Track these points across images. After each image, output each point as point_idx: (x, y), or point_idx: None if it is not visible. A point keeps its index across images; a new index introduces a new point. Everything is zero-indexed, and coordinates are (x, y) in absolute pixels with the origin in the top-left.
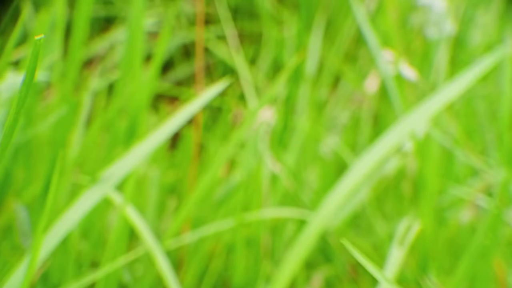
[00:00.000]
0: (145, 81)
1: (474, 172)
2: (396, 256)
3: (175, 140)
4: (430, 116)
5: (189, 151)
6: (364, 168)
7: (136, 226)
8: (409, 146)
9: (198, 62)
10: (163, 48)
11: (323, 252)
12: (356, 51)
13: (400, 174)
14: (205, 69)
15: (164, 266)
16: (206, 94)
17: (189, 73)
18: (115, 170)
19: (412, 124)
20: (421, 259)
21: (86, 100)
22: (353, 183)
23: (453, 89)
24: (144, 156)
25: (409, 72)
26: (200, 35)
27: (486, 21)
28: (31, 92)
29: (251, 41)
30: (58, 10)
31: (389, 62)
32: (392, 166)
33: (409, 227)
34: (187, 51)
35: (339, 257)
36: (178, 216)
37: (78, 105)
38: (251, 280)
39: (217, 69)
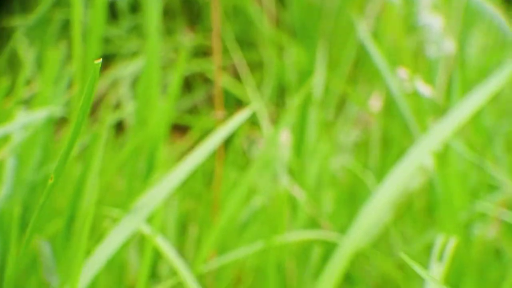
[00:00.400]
0: (163, 110)
1: (491, 187)
2: (436, 272)
3: None
4: (450, 132)
5: (203, 179)
6: (391, 188)
7: (168, 256)
8: (430, 163)
9: (217, 88)
10: (180, 76)
11: (348, 275)
12: (356, 74)
13: (419, 192)
14: (207, 100)
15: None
16: (233, 122)
17: (192, 104)
18: (144, 202)
19: (433, 142)
20: (455, 276)
21: (103, 133)
22: (381, 204)
23: (469, 105)
24: (174, 187)
25: (425, 89)
26: (217, 61)
27: (483, 39)
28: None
29: (252, 69)
30: (74, 45)
31: (403, 79)
32: (414, 185)
33: (446, 243)
34: (188, 83)
35: (365, 280)
36: (205, 242)
37: (97, 137)
38: None
39: (219, 99)
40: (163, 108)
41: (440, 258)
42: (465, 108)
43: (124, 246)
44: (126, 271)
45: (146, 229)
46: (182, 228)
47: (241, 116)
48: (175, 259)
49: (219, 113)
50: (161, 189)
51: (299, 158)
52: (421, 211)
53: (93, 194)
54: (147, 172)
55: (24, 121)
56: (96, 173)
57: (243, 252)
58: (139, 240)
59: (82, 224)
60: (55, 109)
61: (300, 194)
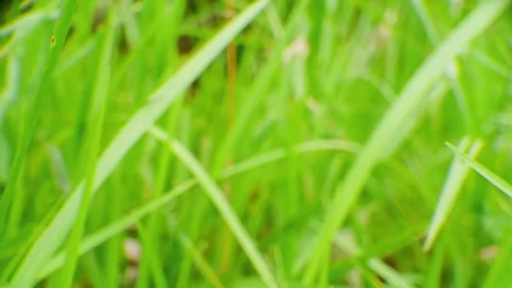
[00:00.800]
0: (169, 20)
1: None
2: (459, 172)
3: (194, 89)
4: (472, 37)
5: (212, 97)
6: (412, 96)
7: (184, 159)
8: (452, 72)
9: None
10: None
11: (365, 191)
12: None
13: (437, 111)
14: (212, 21)
15: (217, 194)
16: (243, 16)
17: (196, 24)
18: (160, 95)
19: (454, 48)
20: (478, 181)
21: (110, 34)
22: (403, 113)
23: (493, 8)
24: (188, 82)
25: None
26: None
27: None
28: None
29: None
30: None
31: None
32: (434, 96)
33: (470, 145)
34: (192, 4)
35: (386, 190)
36: (220, 151)
37: (103, 39)
38: (298, 217)
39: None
40: (169, 19)
41: (463, 161)
42: (488, 11)
43: (137, 158)
44: (141, 185)
45: (160, 133)
46: (196, 144)
47: (252, 11)
48: (192, 162)
49: (229, 13)
50: (174, 85)
51: (314, 72)
52: (437, 130)
53: (102, 99)
54: (156, 79)
55: (23, 23)
56: (104, 80)
57: (260, 160)
58: (153, 157)
59: (93, 128)
60: (51, 11)
61: (316, 108)
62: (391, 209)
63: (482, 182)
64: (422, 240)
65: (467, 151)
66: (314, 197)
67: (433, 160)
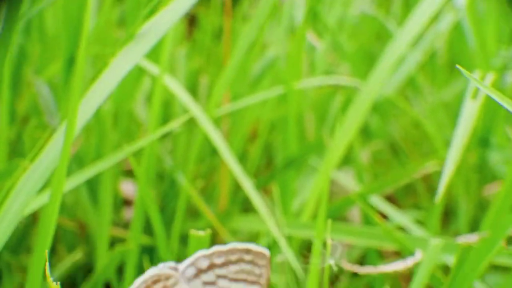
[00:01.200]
0: None
1: None
2: (471, 108)
3: (191, 27)
4: None
5: (210, 35)
6: (416, 27)
7: (179, 95)
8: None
9: None
10: None
11: (366, 129)
12: None
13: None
14: None
15: (212, 130)
16: None
17: None
18: (151, 27)
19: None
20: (487, 116)
21: None
22: (405, 44)
23: None
24: (182, 13)
25: None
26: None
27: None
28: None
29: None
30: None
31: None
32: (443, 27)
33: (482, 79)
34: None
35: (390, 129)
36: (217, 86)
37: None
38: (298, 155)
39: None
40: None
41: (474, 96)
42: None
43: (131, 96)
44: (137, 127)
45: (152, 68)
46: (193, 84)
47: None
48: (187, 98)
49: None
50: (165, 17)
51: (316, 5)
52: (443, 66)
53: (87, 27)
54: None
55: None
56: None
57: (259, 98)
58: (149, 98)
59: (80, 59)
60: None
61: (318, 43)
62: (394, 147)
63: (490, 116)
64: (425, 178)
65: (476, 92)
66: (314, 135)
67: (438, 98)
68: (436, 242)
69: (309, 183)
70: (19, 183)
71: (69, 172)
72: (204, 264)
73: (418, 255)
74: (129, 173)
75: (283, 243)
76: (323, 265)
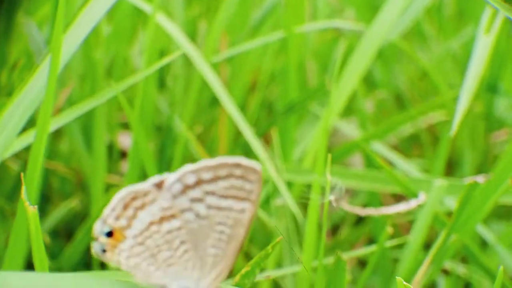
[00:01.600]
0: None
1: None
2: (485, 44)
3: None
4: None
5: None
6: None
7: (173, 34)
8: None
9: None
10: None
11: (370, 78)
12: None
13: None
14: None
15: (208, 72)
16: None
17: None
18: None
19: None
20: (495, 62)
21: None
22: None
23: None
24: None
25: None
26: None
27: None
28: None
29: None
30: None
31: None
32: None
33: (495, 15)
34: None
35: (395, 78)
36: (214, 25)
37: None
38: (298, 100)
39: None
40: None
41: (488, 31)
42: None
43: (126, 44)
44: (131, 72)
45: (145, 6)
46: (192, 33)
47: None
48: (183, 39)
49: None
50: None
51: None
52: (451, 16)
53: None
54: None
55: None
56: None
57: (259, 43)
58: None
59: None
60: None
61: None
62: (399, 97)
63: (498, 61)
64: (430, 129)
65: (489, 26)
66: (316, 82)
67: (445, 48)
68: (440, 183)
69: (311, 132)
70: (1, 120)
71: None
72: (191, 179)
73: (422, 197)
74: (126, 126)
75: (282, 187)
76: (322, 203)
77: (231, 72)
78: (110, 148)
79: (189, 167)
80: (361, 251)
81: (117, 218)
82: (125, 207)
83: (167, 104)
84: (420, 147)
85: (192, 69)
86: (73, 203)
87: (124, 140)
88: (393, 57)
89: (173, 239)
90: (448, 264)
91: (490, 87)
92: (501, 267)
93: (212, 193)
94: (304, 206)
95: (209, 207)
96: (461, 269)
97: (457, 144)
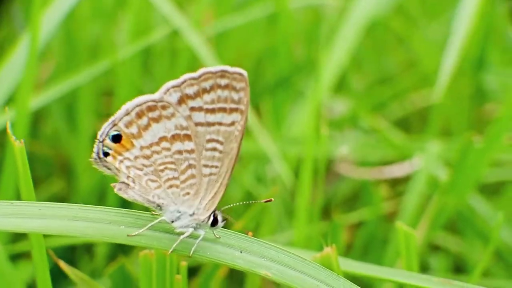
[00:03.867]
0: None
1: None
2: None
3: None
4: None
5: None
6: None
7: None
8: None
9: None
10: None
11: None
12: None
13: None
14: None
15: (196, 39)
16: None
17: None
18: None
19: None
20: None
21: None
22: None
23: None
24: None
25: None
26: None
27: None
28: None
29: None
30: None
31: None
32: None
33: None
34: None
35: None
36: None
37: None
38: (287, 74)
39: None
40: None
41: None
42: None
43: (110, 25)
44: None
45: None
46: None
47: None
48: (168, 7)
49: None
50: None
51: None
52: None
53: None
54: None
55: None
56: None
57: (246, 17)
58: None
59: None
60: None
61: None
62: (388, 78)
63: (485, 35)
64: (421, 112)
65: None
66: (305, 58)
67: (431, 29)
68: (434, 145)
69: (301, 110)
70: None
71: None
72: (175, 97)
73: (416, 161)
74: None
75: (275, 156)
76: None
77: (216, 51)
78: (95, 135)
79: (171, 82)
80: (356, 215)
81: (128, 124)
82: (140, 115)
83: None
84: (410, 130)
85: (177, 48)
86: (56, 186)
87: None
88: (380, 35)
89: (182, 161)
90: (441, 239)
91: (477, 61)
92: (500, 215)
93: (199, 109)
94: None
95: (197, 124)
96: (453, 244)
97: (449, 119)
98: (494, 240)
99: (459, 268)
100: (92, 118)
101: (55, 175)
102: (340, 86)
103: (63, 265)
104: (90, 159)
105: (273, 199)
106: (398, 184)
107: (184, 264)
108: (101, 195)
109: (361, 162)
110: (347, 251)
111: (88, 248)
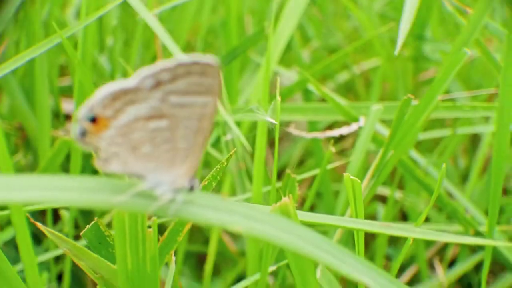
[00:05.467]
0: None
1: None
2: None
3: None
4: None
5: None
6: None
7: None
8: None
9: None
10: None
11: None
12: None
13: None
14: None
15: (152, 18)
16: None
17: None
18: None
19: None
20: (421, 11)
21: None
22: None
23: None
24: None
25: None
26: None
27: None
28: None
29: None
30: None
31: None
32: None
33: None
34: None
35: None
36: None
37: None
38: (239, 46)
39: None
40: None
41: None
42: None
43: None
44: None
45: None
46: None
47: None
48: None
49: None
50: None
51: None
52: None
53: None
54: None
55: None
56: None
57: None
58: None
59: None
60: None
61: None
62: (334, 50)
63: (425, 11)
64: (363, 74)
65: None
66: (254, 31)
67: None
68: (377, 106)
69: (253, 81)
70: None
71: None
72: (150, 82)
73: (362, 121)
74: (67, 90)
75: (231, 122)
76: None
77: (168, 30)
78: (54, 112)
79: (146, 70)
80: (308, 174)
81: (104, 107)
82: (114, 99)
83: (108, 62)
84: (355, 93)
85: (131, 26)
86: (19, 159)
87: (68, 107)
88: (326, 9)
89: (158, 137)
90: (385, 191)
91: (417, 34)
92: (444, 166)
93: (174, 93)
94: (252, 141)
95: (174, 105)
96: (397, 194)
97: (390, 86)
98: (438, 188)
99: (404, 218)
100: (49, 94)
101: (17, 149)
102: (290, 57)
103: (40, 226)
104: (73, 139)
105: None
106: (346, 143)
107: (154, 218)
108: (65, 170)
109: (312, 128)
110: (301, 206)
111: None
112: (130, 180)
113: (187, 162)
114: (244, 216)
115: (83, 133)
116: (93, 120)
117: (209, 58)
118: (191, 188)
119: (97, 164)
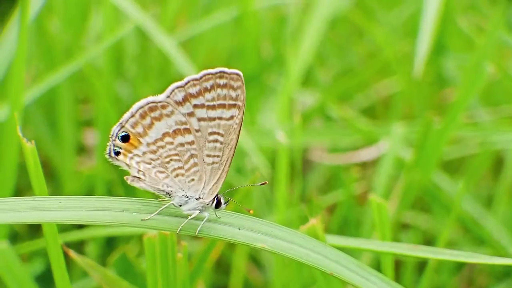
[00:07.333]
0: None
1: None
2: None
3: None
4: None
5: None
6: None
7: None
8: None
9: None
10: None
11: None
12: None
13: None
14: None
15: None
16: None
17: None
18: None
19: None
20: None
21: None
22: None
23: None
24: None
25: None
26: None
27: None
28: None
29: None
30: None
31: None
32: None
33: None
34: None
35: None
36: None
37: None
38: (257, 71)
39: None
40: None
41: None
42: None
43: (79, 30)
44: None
45: None
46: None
47: None
48: (136, 12)
49: None
50: None
51: None
52: None
53: None
54: None
55: None
56: None
57: (215, 20)
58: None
59: None
60: None
61: None
62: (353, 71)
63: (445, 22)
64: (385, 100)
65: None
66: (273, 55)
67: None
68: (398, 128)
69: (271, 104)
70: None
71: None
72: (179, 96)
73: (383, 145)
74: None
75: (252, 148)
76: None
77: (188, 54)
78: (76, 141)
79: (176, 84)
80: (331, 197)
81: (135, 124)
82: (143, 115)
83: (127, 90)
84: (375, 116)
85: (148, 54)
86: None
87: (89, 137)
88: (344, 30)
89: (184, 152)
90: (411, 218)
91: (437, 47)
92: (461, 184)
93: (201, 106)
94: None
95: (200, 119)
96: (422, 221)
97: (411, 105)
98: (456, 208)
99: (428, 243)
100: (72, 124)
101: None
102: (307, 80)
103: (73, 254)
104: (106, 157)
105: (267, 182)
106: (367, 168)
107: (184, 244)
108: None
109: (332, 149)
110: (325, 231)
111: (79, 246)
112: (157, 198)
113: (214, 178)
114: (270, 235)
115: (117, 153)
116: (125, 138)
117: (235, 70)
118: (219, 205)
119: (129, 181)
